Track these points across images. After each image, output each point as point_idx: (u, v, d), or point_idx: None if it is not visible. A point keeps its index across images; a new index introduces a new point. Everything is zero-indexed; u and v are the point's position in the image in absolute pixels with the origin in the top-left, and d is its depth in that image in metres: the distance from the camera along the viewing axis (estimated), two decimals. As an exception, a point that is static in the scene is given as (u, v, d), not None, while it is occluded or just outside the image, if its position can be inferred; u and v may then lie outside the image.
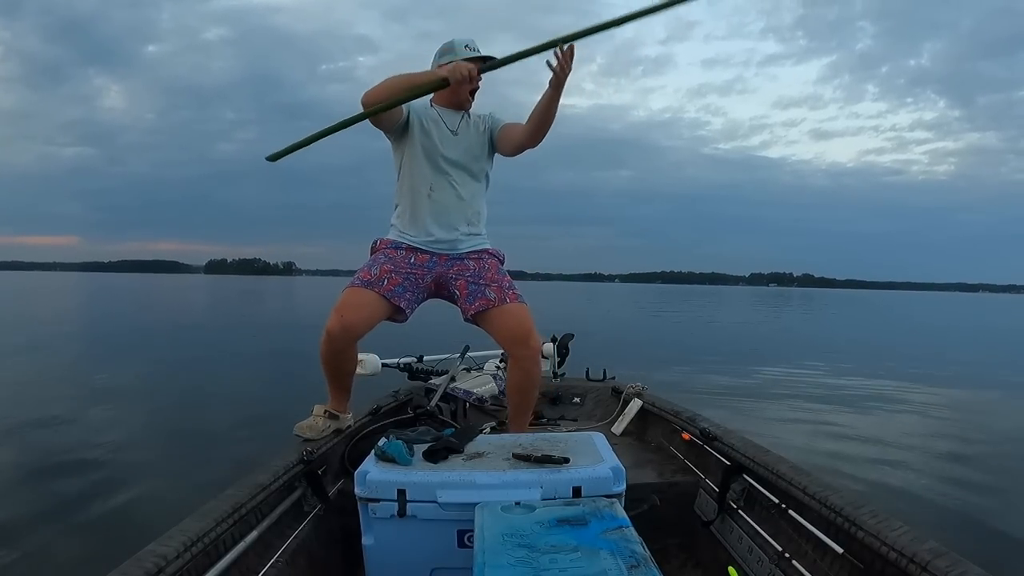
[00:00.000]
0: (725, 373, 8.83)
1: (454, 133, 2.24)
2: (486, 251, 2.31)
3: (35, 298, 31.55)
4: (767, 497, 1.74)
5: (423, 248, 2.22)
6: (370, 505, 1.57)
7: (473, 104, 2.31)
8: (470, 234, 2.27)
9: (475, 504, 1.45)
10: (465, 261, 2.25)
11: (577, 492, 1.51)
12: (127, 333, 14.08)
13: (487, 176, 2.34)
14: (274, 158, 2.09)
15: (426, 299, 2.30)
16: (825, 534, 1.47)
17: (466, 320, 2.26)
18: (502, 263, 2.33)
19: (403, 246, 2.23)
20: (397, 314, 2.20)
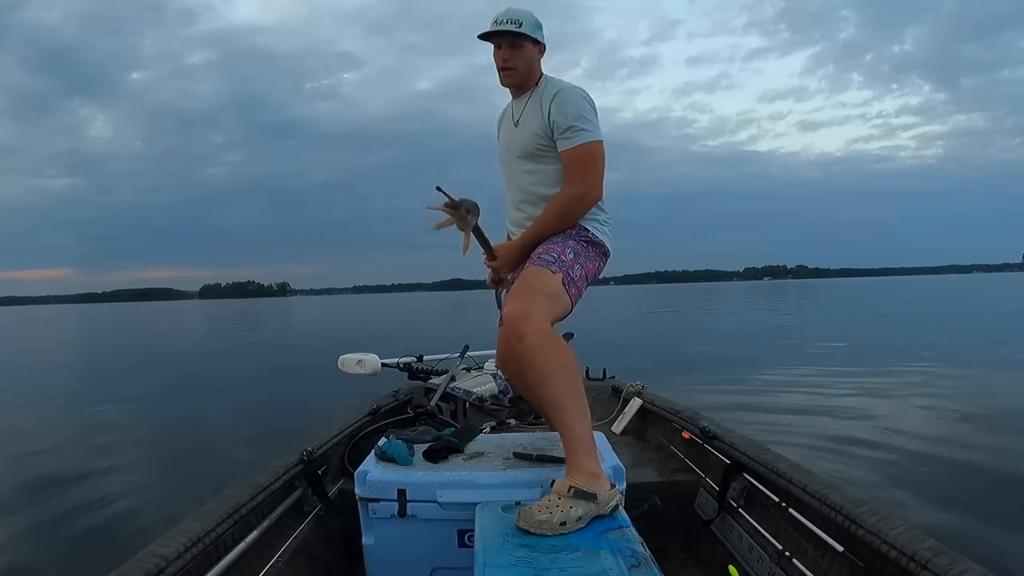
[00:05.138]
0: (737, 365, 8.92)
1: (516, 124, 1.97)
2: None
3: (35, 332, 31.53)
4: (767, 496, 1.74)
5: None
6: (370, 505, 1.57)
7: (533, 75, 1.94)
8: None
9: (475, 504, 1.45)
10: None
11: (577, 492, 1.51)
12: (128, 362, 14.04)
13: (557, 155, 1.89)
14: None
15: None
16: (825, 532, 1.47)
17: None
18: (567, 235, 1.87)
19: None
20: None
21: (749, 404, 6.05)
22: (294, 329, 26.85)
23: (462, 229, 1.85)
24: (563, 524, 1.33)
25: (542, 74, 1.98)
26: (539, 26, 1.93)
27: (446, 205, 1.79)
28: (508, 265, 1.95)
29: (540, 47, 1.95)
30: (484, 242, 1.97)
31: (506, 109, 2.06)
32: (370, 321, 30.07)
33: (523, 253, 1.91)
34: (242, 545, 1.52)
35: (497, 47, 1.90)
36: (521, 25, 1.87)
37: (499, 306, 2.08)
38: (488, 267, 2.02)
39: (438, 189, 1.80)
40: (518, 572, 1.13)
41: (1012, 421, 5.08)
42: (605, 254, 1.95)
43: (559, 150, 1.84)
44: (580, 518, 1.36)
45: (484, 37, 1.91)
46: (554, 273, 1.75)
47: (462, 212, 1.80)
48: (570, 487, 1.39)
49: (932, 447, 4.34)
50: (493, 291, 2.15)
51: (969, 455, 4.07)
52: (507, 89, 1.99)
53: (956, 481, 3.70)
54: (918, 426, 5.03)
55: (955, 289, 47.37)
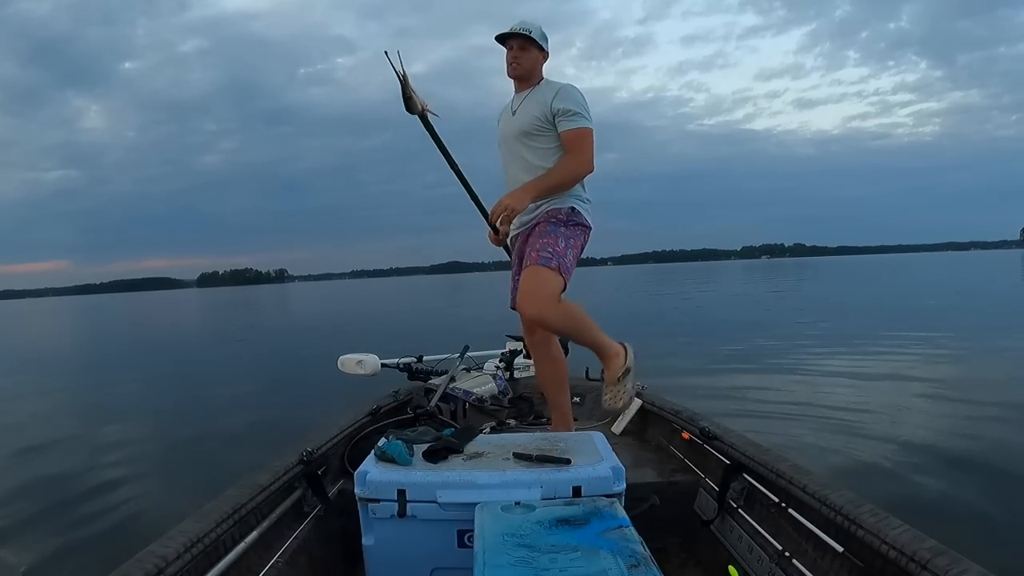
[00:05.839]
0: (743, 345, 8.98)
1: (514, 112, 2.36)
2: (546, 212, 2.26)
3: (32, 326, 31.57)
4: (767, 496, 1.74)
5: (516, 230, 2.38)
6: (370, 505, 1.57)
7: (535, 74, 2.34)
8: (538, 203, 2.27)
9: (475, 504, 1.45)
10: (534, 230, 2.27)
11: (577, 492, 1.51)
12: (125, 355, 14.06)
13: (556, 137, 2.26)
14: None
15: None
16: (825, 533, 1.47)
17: None
18: (558, 221, 2.23)
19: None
20: None
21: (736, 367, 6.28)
22: (294, 315, 26.80)
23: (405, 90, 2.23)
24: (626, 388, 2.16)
25: (543, 77, 2.37)
26: (545, 37, 2.35)
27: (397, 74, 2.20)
28: (513, 207, 2.18)
29: (544, 54, 2.36)
30: (434, 135, 2.36)
31: (506, 105, 2.43)
32: (369, 304, 30.15)
33: (533, 195, 2.19)
34: (242, 545, 1.52)
35: (509, 48, 2.31)
36: (531, 32, 2.30)
37: (508, 253, 2.52)
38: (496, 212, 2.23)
39: (386, 55, 2.14)
40: (517, 572, 1.13)
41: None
42: (588, 228, 2.33)
43: (560, 130, 2.22)
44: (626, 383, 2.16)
45: (501, 39, 2.31)
46: (551, 269, 2.13)
47: (406, 81, 2.21)
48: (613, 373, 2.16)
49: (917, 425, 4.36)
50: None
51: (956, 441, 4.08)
52: (512, 81, 2.37)
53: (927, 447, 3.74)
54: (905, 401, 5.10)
55: (952, 267, 47.39)
